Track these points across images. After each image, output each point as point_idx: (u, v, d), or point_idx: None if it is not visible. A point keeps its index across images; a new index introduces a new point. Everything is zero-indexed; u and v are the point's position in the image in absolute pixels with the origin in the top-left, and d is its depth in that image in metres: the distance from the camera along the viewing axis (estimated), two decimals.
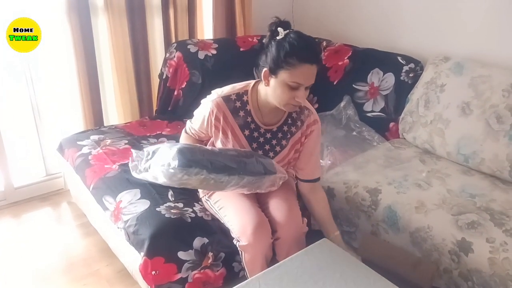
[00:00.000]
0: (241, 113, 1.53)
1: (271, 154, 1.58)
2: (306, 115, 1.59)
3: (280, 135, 1.58)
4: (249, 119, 1.54)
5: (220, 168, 1.43)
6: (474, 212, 1.63)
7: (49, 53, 2.35)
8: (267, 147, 1.57)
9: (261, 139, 1.56)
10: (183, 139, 1.75)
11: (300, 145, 1.61)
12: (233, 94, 1.53)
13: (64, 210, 2.46)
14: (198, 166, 1.42)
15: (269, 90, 1.44)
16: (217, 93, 1.54)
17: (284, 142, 1.58)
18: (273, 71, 1.38)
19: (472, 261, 1.46)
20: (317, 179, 1.69)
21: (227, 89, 1.55)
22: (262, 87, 1.50)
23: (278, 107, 1.47)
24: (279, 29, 1.37)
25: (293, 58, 1.32)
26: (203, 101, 1.58)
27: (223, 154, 1.48)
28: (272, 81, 1.41)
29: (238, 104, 1.53)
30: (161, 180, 1.49)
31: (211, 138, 1.67)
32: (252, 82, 1.56)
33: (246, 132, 1.55)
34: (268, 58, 1.39)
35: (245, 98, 1.52)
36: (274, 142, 1.58)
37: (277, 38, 1.37)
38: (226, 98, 1.52)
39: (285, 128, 1.57)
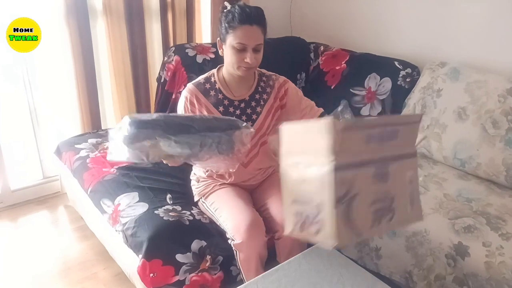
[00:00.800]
0: (212, 92, 1.62)
1: (249, 123, 1.59)
2: (274, 79, 1.70)
3: (253, 103, 1.65)
4: (220, 96, 1.62)
5: (176, 126, 1.29)
6: (471, 216, 1.64)
7: (47, 56, 2.35)
8: (243, 117, 1.63)
9: (237, 111, 1.63)
10: None
11: (275, 110, 1.68)
12: (202, 79, 1.65)
13: (61, 213, 2.45)
14: (152, 127, 1.26)
15: (225, 59, 1.58)
16: (184, 89, 1.65)
17: (258, 109, 1.66)
18: (223, 39, 1.53)
19: (469, 265, 1.47)
20: (322, 113, 1.74)
21: (196, 79, 1.67)
22: (224, 61, 1.60)
23: (243, 78, 1.59)
24: (225, 3, 1.53)
25: (234, 22, 1.47)
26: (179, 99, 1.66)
27: (180, 116, 1.53)
28: (224, 48, 1.55)
29: (207, 85, 1.63)
30: (125, 154, 1.30)
31: None
32: (215, 69, 1.68)
33: (221, 109, 1.62)
34: (219, 31, 1.55)
35: (212, 79, 1.64)
36: (249, 111, 1.65)
37: (225, 10, 1.52)
38: (196, 83, 1.64)
39: (257, 96, 1.66)
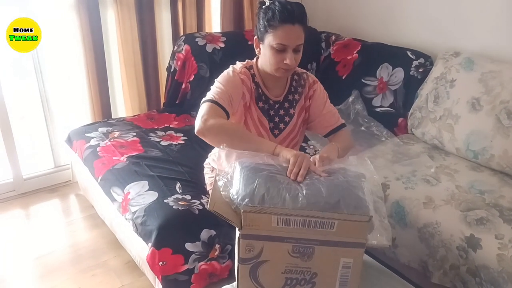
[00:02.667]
0: (253, 86, 1.51)
1: (281, 125, 1.57)
2: (305, 78, 1.60)
3: (286, 104, 1.57)
4: (260, 91, 1.52)
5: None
6: (483, 209, 1.61)
7: (58, 46, 2.35)
8: (276, 119, 1.56)
9: (271, 112, 1.55)
10: (226, 122, 1.38)
11: (305, 112, 1.60)
12: (244, 68, 1.51)
13: (72, 202, 2.47)
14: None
15: (261, 58, 1.48)
16: (237, 66, 1.51)
17: (291, 111, 1.57)
18: (261, 38, 1.43)
19: (480, 257, 1.46)
20: (342, 125, 1.62)
21: (238, 65, 1.53)
22: (259, 61, 1.51)
23: (278, 77, 1.48)
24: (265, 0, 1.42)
25: (275, 20, 1.36)
26: (223, 75, 1.48)
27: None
28: (262, 47, 1.45)
29: (250, 77, 1.51)
30: None
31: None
32: (254, 59, 1.56)
33: (260, 104, 1.52)
34: (256, 28, 1.44)
35: (251, 71, 1.52)
36: (282, 112, 1.56)
37: (263, 7, 1.42)
38: (246, 68, 1.51)
39: (290, 96, 1.57)
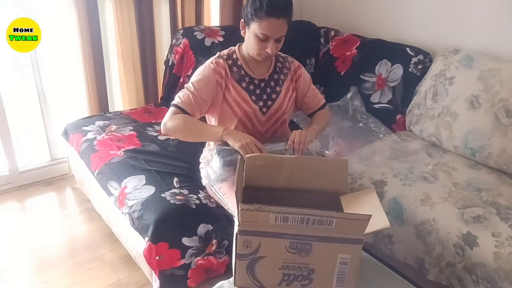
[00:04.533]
0: (235, 69, 1.61)
1: (269, 102, 1.65)
2: (290, 61, 1.72)
3: (272, 83, 1.66)
4: (242, 73, 1.62)
5: None
6: (480, 206, 1.62)
7: (55, 39, 2.33)
8: (264, 96, 1.64)
9: (258, 91, 1.63)
10: (177, 120, 1.53)
11: (292, 91, 1.71)
12: (224, 55, 1.63)
13: (68, 195, 2.47)
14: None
15: (246, 41, 1.58)
16: (211, 58, 1.63)
17: (278, 88, 1.67)
18: (247, 23, 1.52)
19: (477, 255, 1.46)
20: (324, 105, 1.80)
21: (214, 56, 1.64)
22: (244, 44, 1.61)
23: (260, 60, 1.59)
24: None
25: (261, 12, 1.44)
26: (199, 68, 1.62)
27: None
28: (247, 32, 1.54)
29: (230, 62, 1.62)
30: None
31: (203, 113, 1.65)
32: (237, 45, 1.67)
33: (243, 85, 1.61)
34: (244, 12, 1.53)
35: (234, 56, 1.63)
36: (269, 90, 1.65)
37: None
38: (221, 57, 1.62)
39: (275, 76, 1.67)
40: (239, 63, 1.62)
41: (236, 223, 1.09)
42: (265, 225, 1.05)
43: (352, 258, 1.09)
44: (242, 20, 1.55)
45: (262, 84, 1.64)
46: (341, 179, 1.31)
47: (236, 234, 1.06)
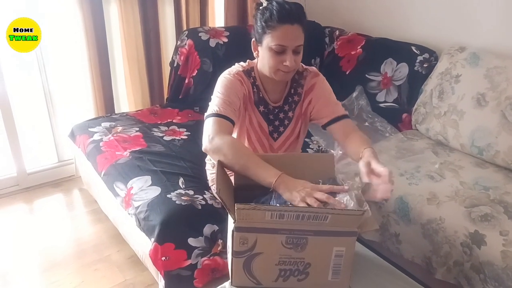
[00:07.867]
0: (255, 89, 1.48)
1: (281, 128, 1.56)
2: (304, 76, 1.53)
3: (286, 107, 1.53)
4: (261, 95, 1.49)
5: None
6: (488, 205, 1.60)
7: (61, 41, 2.35)
8: (276, 122, 1.54)
9: (271, 116, 1.53)
10: (228, 144, 1.27)
11: (304, 115, 1.56)
12: (244, 70, 1.47)
13: (75, 197, 2.48)
14: None
15: (260, 61, 1.43)
16: (233, 69, 1.47)
17: (290, 113, 1.54)
18: (259, 40, 1.38)
19: (485, 254, 1.45)
20: (344, 116, 1.49)
21: (236, 67, 1.49)
22: (258, 64, 1.46)
23: (277, 81, 1.44)
24: (262, 0, 1.37)
25: (273, 20, 1.31)
26: (218, 81, 1.44)
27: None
28: (260, 50, 1.40)
29: (251, 80, 1.47)
30: None
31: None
32: (254, 60, 1.51)
33: (261, 109, 1.50)
34: (254, 30, 1.39)
35: (253, 74, 1.48)
36: (281, 115, 1.54)
37: (260, 8, 1.37)
38: (244, 72, 1.47)
39: (290, 99, 1.53)
40: (257, 83, 1.48)
41: (231, 221, 1.08)
42: (261, 222, 1.05)
43: (346, 250, 1.10)
44: (253, 40, 1.42)
45: (276, 110, 1.52)
46: (328, 174, 1.29)
47: (233, 231, 1.05)
